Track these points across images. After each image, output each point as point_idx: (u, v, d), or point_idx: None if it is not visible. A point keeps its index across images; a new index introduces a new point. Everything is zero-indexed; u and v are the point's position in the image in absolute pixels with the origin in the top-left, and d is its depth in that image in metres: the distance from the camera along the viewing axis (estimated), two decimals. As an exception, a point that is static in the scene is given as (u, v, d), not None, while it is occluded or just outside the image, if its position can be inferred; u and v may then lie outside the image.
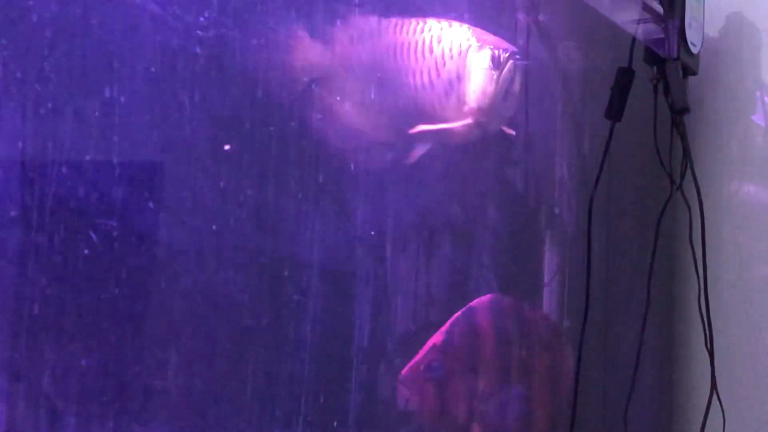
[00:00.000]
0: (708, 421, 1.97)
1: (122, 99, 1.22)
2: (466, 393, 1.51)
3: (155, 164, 1.27)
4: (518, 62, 1.58)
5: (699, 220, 2.03)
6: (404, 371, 1.47)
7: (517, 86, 1.59)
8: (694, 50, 2.03)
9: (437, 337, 1.50)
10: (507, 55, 1.58)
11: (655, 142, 2.03)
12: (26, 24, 1.14)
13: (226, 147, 1.29)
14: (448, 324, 1.52)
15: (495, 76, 1.56)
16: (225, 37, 1.34)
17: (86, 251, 1.17)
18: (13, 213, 1.14)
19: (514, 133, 1.70)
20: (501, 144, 1.70)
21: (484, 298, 1.58)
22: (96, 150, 1.21)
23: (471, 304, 1.55)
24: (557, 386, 1.65)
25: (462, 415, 1.51)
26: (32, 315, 1.14)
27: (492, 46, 1.58)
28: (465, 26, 1.61)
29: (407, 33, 1.59)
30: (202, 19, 1.31)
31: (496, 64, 1.56)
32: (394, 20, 1.61)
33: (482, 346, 1.54)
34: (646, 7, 1.96)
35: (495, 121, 1.62)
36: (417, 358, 1.49)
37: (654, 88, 2.02)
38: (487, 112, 1.58)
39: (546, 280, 1.92)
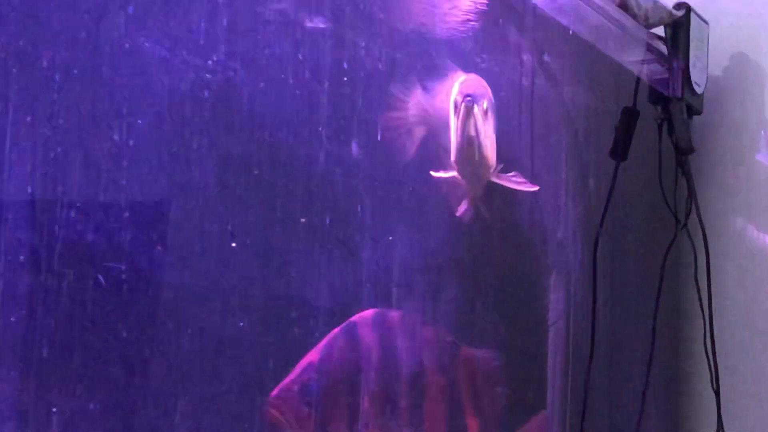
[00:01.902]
0: (714, 462, 1.97)
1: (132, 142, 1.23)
2: (345, 415, 1.34)
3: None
4: (469, 104, 1.52)
5: (704, 259, 2.03)
6: (275, 392, 1.29)
7: (474, 129, 1.53)
8: (699, 90, 2.03)
9: (313, 355, 1.33)
10: (461, 99, 1.54)
11: (660, 182, 2.04)
12: (36, 69, 1.15)
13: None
14: (325, 340, 1.34)
15: (455, 124, 1.54)
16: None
17: (95, 294, 1.18)
18: (22, 257, 1.14)
19: (537, 187, 1.67)
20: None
21: (367, 312, 1.40)
22: (105, 193, 1.22)
23: (352, 318, 1.37)
24: (456, 409, 1.47)
25: None
26: (41, 358, 1.15)
27: (458, 92, 1.55)
28: (462, 74, 1.60)
29: (442, 84, 1.60)
30: (210, 61, 1.32)
31: (456, 111, 1.54)
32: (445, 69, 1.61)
33: (364, 364, 1.36)
34: (651, 48, 1.97)
35: (476, 170, 1.57)
36: (290, 377, 1.32)
37: (659, 127, 2.03)
38: (461, 162, 1.55)
39: (551, 320, 1.92)
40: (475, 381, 1.48)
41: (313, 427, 1.31)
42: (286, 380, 1.30)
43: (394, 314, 1.43)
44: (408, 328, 1.43)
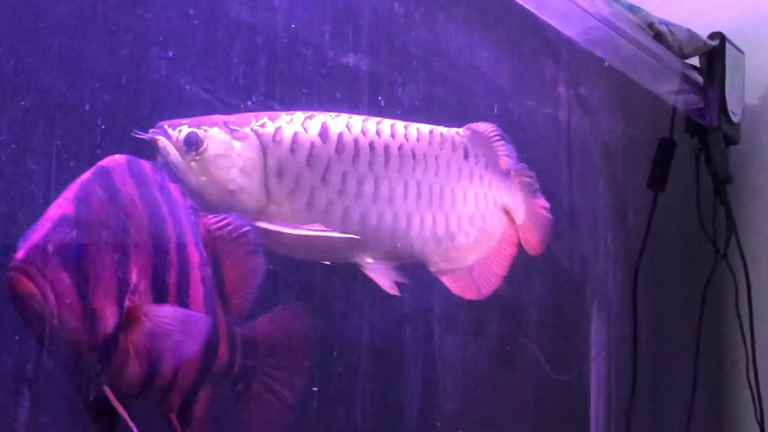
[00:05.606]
0: (760, 494, 1.95)
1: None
2: (112, 283, 1.04)
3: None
4: (153, 135, 1.21)
5: (745, 288, 2.02)
6: (21, 253, 1.00)
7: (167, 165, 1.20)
8: (735, 119, 2.03)
9: (65, 207, 1.04)
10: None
11: (699, 212, 2.03)
12: (79, 113, 1.17)
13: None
14: (75, 188, 1.06)
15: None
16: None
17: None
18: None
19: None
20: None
21: (117, 157, 1.10)
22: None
23: (101, 163, 1.08)
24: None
25: (108, 314, 1.04)
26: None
27: None
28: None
29: None
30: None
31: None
32: None
33: (127, 218, 1.07)
34: (687, 78, 1.97)
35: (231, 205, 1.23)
36: (39, 233, 1.02)
37: (696, 158, 2.03)
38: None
39: (593, 352, 1.91)
40: (215, 246, 1.20)
41: (73, 298, 1.02)
42: (35, 237, 1.01)
43: (146, 163, 1.14)
44: (160, 180, 1.15)
